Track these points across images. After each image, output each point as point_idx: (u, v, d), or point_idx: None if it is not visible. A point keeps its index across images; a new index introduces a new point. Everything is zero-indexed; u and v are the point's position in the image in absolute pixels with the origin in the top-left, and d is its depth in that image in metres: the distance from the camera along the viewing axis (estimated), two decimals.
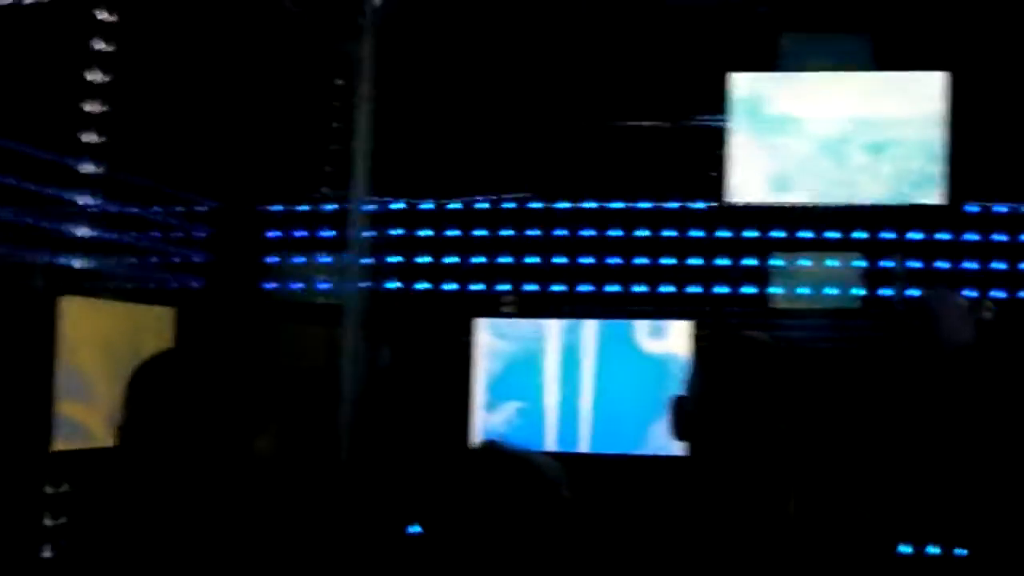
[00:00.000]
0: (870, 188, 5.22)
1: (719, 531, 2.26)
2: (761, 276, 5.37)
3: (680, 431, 2.37)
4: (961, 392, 2.72)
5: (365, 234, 3.24)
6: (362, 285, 3.65)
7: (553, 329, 5.02)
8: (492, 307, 5.37)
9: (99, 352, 4.44)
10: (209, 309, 5.73)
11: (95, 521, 2.42)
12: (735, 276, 5.37)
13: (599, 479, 2.52)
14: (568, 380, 4.92)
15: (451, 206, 5.65)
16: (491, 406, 5.03)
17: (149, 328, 4.67)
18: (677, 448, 2.39)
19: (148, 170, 5.11)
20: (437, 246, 5.66)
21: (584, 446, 4.83)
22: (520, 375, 5.01)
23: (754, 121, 5.20)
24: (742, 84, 5.23)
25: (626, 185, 5.50)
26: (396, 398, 5.47)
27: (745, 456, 2.27)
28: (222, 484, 2.53)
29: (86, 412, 4.30)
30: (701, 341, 2.40)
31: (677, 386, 2.44)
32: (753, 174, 5.24)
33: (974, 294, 5.10)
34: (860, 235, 5.32)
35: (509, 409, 4.99)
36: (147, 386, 2.47)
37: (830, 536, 2.28)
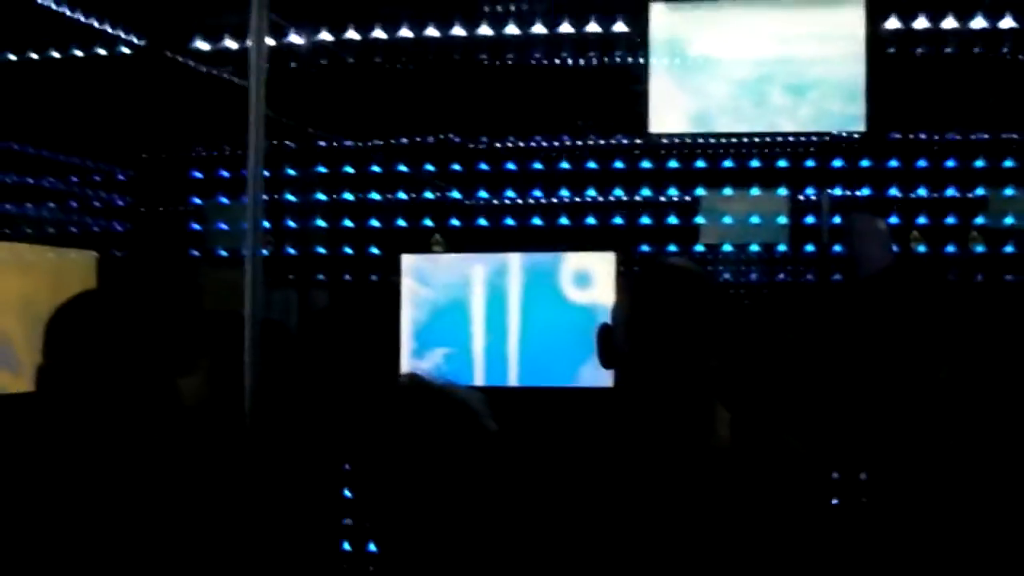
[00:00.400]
0: (791, 128, 5.24)
1: (646, 459, 2.28)
2: (685, 208, 5.39)
3: (606, 359, 2.38)
4: (879, 314, 2.75)
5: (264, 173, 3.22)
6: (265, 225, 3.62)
7: (478, 267, 5.00)
8: (418, 244, 5.35)
9: (21, 314, 4.25)
10: (133, 253, 5.69)
11: (17, 465, 2.40)
12: (659, 209, 5.38)
13: (527, 412, 2.51)
14: (495, 316, 4.92)
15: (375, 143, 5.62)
16: (419, 351, 5.03)
17: (73, 282, 4.49)
18: (606, 379, 2.41)
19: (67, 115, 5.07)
20: (361, 183, 5.63)
21: (512, 380, 4.84)
22: (446, 316, 5.00)
23: (673, 61, 5.18)
24: (660, 22, 5.21)
25: (545, 121, 5.49)
26: (326, 340, 5.46)
27: (670, 382, 2.29)
28: (145, 425, 2.51)
29: (13, 382, 4.11)
30: (626, 271, 2.40)
31: (603, 316, 2.45)
32: (673, 113, 5.23)
33: (896, 221, 5.15)
34: (783, 164, 5.34)
35: (437, 352, 4.98)
36: (67, 327, 2.45)
37: (758, 463, 2.30)
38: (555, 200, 5.41)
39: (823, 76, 5.12)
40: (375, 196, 5.61)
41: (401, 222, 5.59)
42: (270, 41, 4.27)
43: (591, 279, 4.73)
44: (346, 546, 4.76)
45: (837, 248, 5.21)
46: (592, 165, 5.38)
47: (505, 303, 4.89)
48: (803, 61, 5.13)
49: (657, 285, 2.35)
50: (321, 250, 5.65)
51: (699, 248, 5.37)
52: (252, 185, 3.13)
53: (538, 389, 4.66)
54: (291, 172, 5.67)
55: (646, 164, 5.35)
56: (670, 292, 2.32)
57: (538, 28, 5.25)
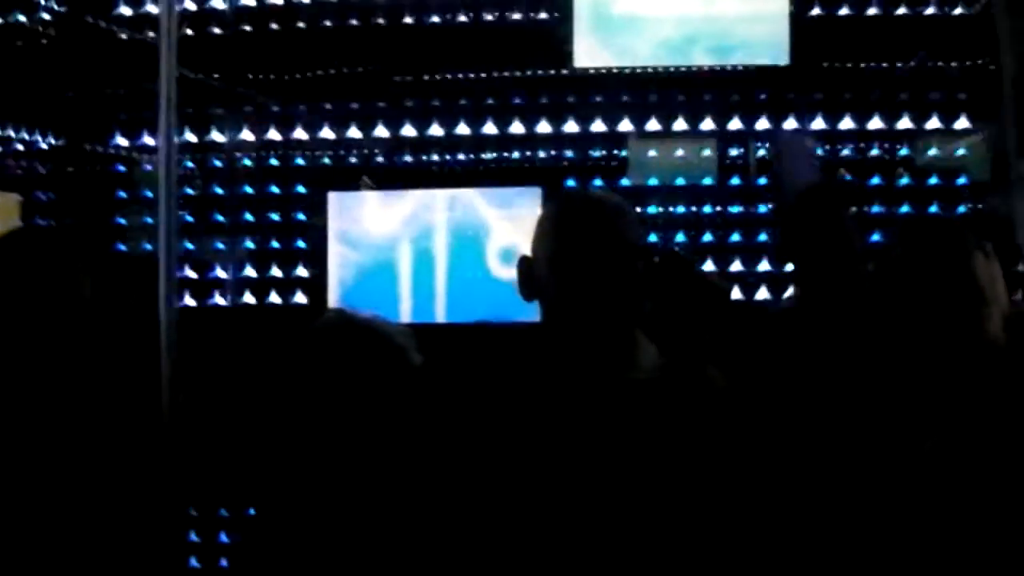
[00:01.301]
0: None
1: (567, 391, 2.29)
2: (611, 141, 5.40)
3: (527, 291, 2.39)
4: (803, 236, 2.77)
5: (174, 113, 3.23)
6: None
7: (405, 204, 5.00)
8: (344, 181, 5.32)
9: None
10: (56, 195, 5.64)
11: None
12: (584, 142, 5.38)
13: (455, 348, 2.52)
14: (422, 254, 4.92)
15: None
16: (346, 289, 5.02)
17: None
18: (533, 314, 2.41)
19: None
20: (288, 121, 5.58)
21: (440, 317, 4.85)
22: (373, 254, 4.99)
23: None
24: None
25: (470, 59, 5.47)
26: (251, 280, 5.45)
27: (590, 312, 2.29)
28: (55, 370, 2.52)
29: None
30: (546, 203, 2.41)
31: (525, 248, 2.45)
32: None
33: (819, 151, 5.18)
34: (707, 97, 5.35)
35: (364, 289, 4.98)
36: None
37: (679, 395, 2.32)
38: (481, 134, 5.39)
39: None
40: (302, 135, 5.58)
41: (327, 160, 5.56)
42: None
43: (518, 215, 4.74)
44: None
45: (762, 180, 5.25)
46: (517, 101, 5.36)
47: (432, 240, 4.89)
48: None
49: (576, 215, 2.36)
50: (248, 189, 5.61)
51: (625, 183, 5.39)
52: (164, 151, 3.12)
53: (466, 325, 4.66)
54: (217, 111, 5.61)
55: (571, 99, 5.34)
56: (589, 222, 2.32)
57: None
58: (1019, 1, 4.51)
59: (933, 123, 5.22)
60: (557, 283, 2.31)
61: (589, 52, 5.15)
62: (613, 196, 2.41)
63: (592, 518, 2.20)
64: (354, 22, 5.41)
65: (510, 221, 4.72)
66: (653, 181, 5.37)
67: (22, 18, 5.41)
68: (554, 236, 2.35)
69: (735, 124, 5.33)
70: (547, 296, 2.36)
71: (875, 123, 5.26)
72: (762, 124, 5.26)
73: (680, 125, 5.35)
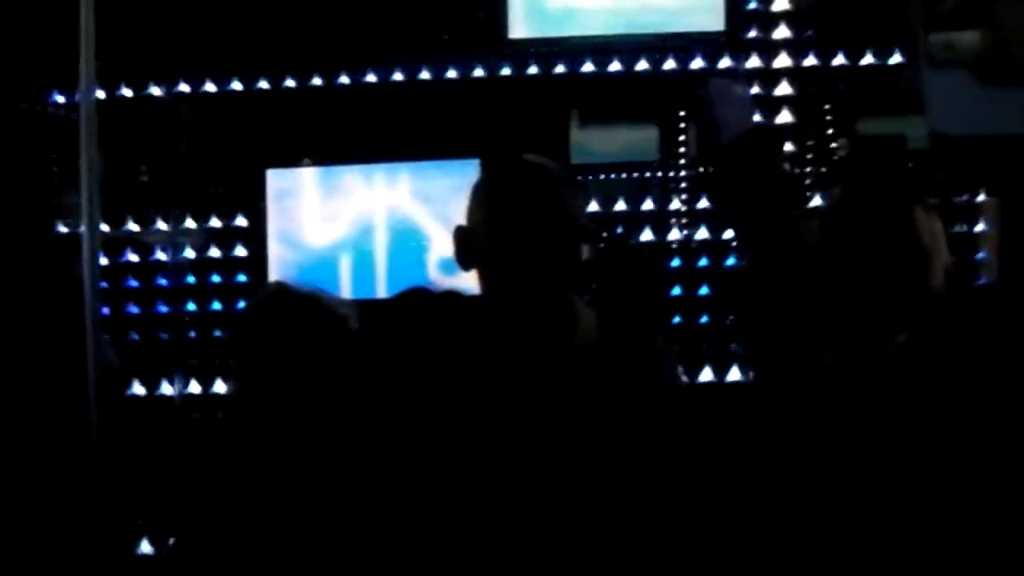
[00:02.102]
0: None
1: (506, 359, 2.29)
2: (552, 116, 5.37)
3: (463, 260, 2.38)
4: (736, 181, 2.78)
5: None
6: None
7: (344, 178, 4.97)
8: (282, 158, 5.27)
9: None
10: None
11: None
12: (523, 115, 5.35)
13: (396, 319, 2.51)
14: (361, 228, 4.90)
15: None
16: (287, 265, 4.99)
17: None
18: (470, 285, 2.41)
19: None
20: (225, 101, 5.52)
21: (381, 292, 4.83)
22: (313, 230, 4.97)
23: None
24: None
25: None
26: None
27: (527, 279, 2.29)
28: None
29: None
30: (483, 171, 2.41)
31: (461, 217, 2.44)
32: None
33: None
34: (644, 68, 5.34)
35: (305, 266, 4.95)
36: None
37: (620, 361, 2.32)
38: (420, 107, 5.36)
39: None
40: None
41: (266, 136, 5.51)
42: None
43: (457, 186, 4.71)
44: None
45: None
46: (453, 74, 5.33)
47: (372, 214, 4.87)
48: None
49: (510, 181, 2.35)
50: None
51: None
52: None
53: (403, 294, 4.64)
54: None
55: (506, 71, 5.31)
56: (523, 187, 2.32)
57: None
58: None
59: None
60: (492, 251, 2.31)
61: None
62: (550, 162, 2.40)
63: (531, 483, 2.20)
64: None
65: (450, 192, 4.70)
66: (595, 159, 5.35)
67: None
68: (488, 203, 2.35)
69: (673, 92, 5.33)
70: (483, 265, 2.35)
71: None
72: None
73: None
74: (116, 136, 5.08)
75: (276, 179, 5.01)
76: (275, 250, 4.96)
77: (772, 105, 5.20)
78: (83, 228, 3.30)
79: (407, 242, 4.84)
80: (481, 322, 2.35)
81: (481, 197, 2.40)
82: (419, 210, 4.86)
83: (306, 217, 4.95)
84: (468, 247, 2.38)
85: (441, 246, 4.73)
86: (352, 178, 4.96)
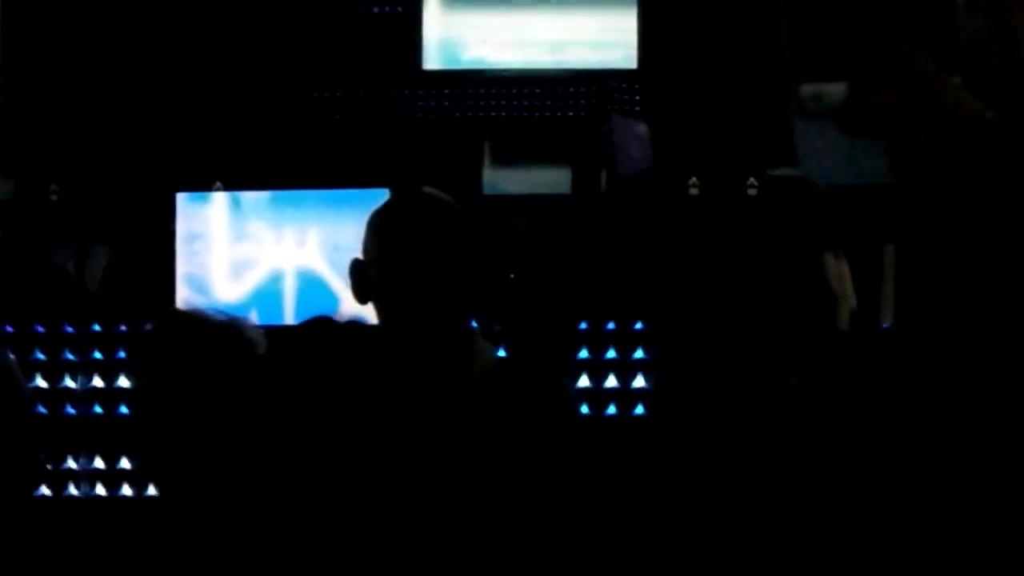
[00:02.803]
0: None
1: (405, 391, 2.30)
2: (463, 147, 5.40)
3: (360, 294, 2.39)
4: (637, 220, 2.82)
5: None
6: None
7: (254, 204, 4.95)
8: (193, 182, 5.25)
9: None
10: None
11: None
12: (436, 148, 5.37)
13: (302, 346, 2.53)
14: (269, 255, 4.88)
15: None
16: (194, 292, 4.95)
17: None
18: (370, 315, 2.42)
19: None
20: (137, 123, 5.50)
21: (288, 319, 4.81)
22: (222, 256, 4.93)
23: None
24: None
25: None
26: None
27: (426, 313, 2.31)
28: None
29: None
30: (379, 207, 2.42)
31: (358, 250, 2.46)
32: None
33: None
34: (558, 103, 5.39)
35: (212, 293, 4.91)
36: None
37: (516, 392, 2.34)
38: (332, 138, 5.37)
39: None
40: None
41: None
42: None
43: (363, 216, 4.70)
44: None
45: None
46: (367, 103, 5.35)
47: (280, 241, 4.84)
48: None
49: (401, 214, 2.37)
50: None
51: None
52: None
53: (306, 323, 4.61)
54: None
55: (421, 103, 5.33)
56: (414, 220, 2.34)
57: None
58: None
59: None
60: (384, 284, 2.33)
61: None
62: (441, 194, 2.42)
63: (428, 510, 2.21)
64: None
65: (356, 222, 4.68)
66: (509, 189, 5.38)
67: None
68: (380, 236, 2.36)
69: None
70: (378, 298, 2.37)
71: None
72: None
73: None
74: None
75: (185, 203, 4.97)
76: (183, 270, 4.92)
77: (678, 145, 5.27)
78: None
79: (315, 269, 4.82)
80: (380, 352, 2.37)
81: (374, 230, 2.42)
82: (325, 237, 4.83)
83: (216, 243, 4.92)
84: (364, 280, 2.40)
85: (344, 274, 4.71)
86: (261, 203, 4.93)
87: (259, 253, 4.87)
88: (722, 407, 2.25)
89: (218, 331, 2.56)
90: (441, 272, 2.29)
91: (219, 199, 5.00)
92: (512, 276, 4.40)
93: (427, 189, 2.41)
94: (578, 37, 5.22)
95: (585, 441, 2.38)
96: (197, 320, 2.60)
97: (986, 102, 0.87)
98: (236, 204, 4.94)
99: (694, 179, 5.25)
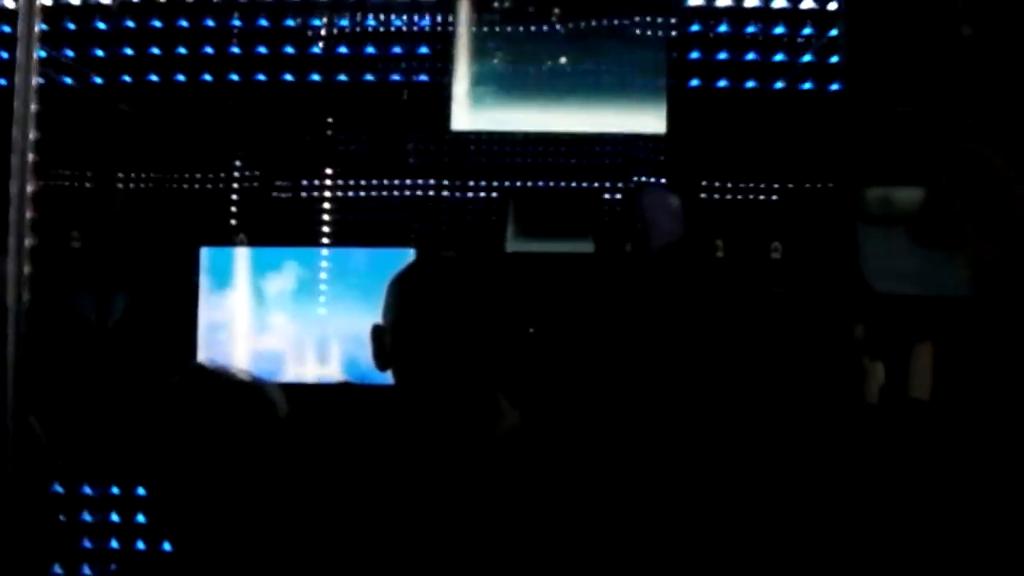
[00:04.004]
0: None
1: (428, 454, 2.28)
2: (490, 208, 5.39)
3: (380, 361, 2.38)
4: (667, 289, 2.81)
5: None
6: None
7: (279, 261, 4.94)
8: (218, 236, 5.26)
9: None
10: None
11: None
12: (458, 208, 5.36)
13: (333, 408, 2.51)
14: (298, 311, 4.87)
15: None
16: (217, 348, 4.94)
17: None
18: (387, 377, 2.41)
19: None
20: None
21: (310, 377, 4.79)
22: (246, 312, 4.93)
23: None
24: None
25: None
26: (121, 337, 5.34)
27: (445, 380, 2.29)
28: None
29: None
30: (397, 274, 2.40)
31: (380, 315, 2.44)
32: None
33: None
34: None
35: (236, 348, 4.91)
36: None
37: (545, 452, 2.32)
38: (361, 194, 5.37)
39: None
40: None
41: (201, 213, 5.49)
42: None
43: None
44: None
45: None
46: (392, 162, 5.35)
47: (307, 298, 4.83)
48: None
49: (419, 282, 2.36)
50: None
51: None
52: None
53: (348, 385, 4.60)
54: None
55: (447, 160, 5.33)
56: (431, 289, 2.33)
57: None
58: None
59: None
60: (400, 353, 2.32)
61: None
62: (461, 260, 2.41)
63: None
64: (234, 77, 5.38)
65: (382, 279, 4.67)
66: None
67: None
68: (397, 304, 2.35)
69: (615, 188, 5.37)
70: (396, 364, 2.36)
71: None
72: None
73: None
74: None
75: (210, 257, 4.97)
76: (205, 334, 4.91)
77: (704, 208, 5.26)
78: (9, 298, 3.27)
79: (345, 326, 4.81)
80: (400, 417, 2.36)
81: (391, 297, 2.41)
82: (351, 296, 4.83)
83: (238, 298, 4.91)
84: (382, 346, 2.38)
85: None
86: (287, 260, 4.93)
87: (280, 309, 4.86)
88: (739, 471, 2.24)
89: (242, 390, 2.54)
90: (452, 341, 2.27)
91: (242, 253, 5.00)
92: (532, 331, 4.39)
93: (447, 254, 2.40)
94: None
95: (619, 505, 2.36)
96: (222, 378, 2.58)
97: None
98: (259, 259, 4.95)
99: (719, 242, 5.27)
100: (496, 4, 5.29)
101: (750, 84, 5.33)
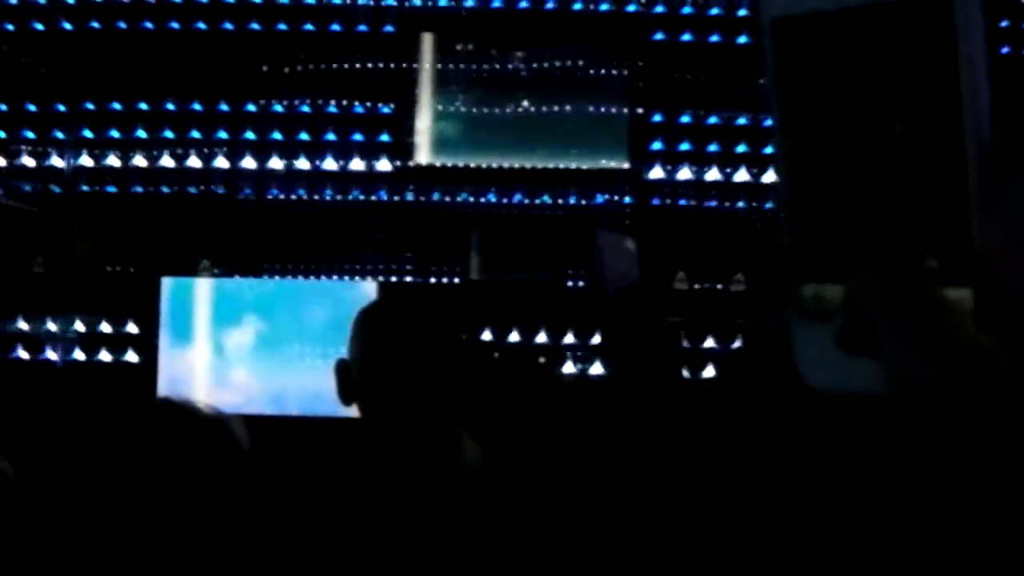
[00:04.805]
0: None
1: (394, 489, 2.29)
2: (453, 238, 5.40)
3: (344, 395, 2.39)
4: (622, 332, 2.82)
5: None
6: None
7: (242, 292, 4.93)
8: (181, 266, 5.25)
9: None
10: None
11: None
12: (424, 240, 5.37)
13: (297, 441, 2.52)
14: (259, 342, 4.86)
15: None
16: (176, 379, 4.92)
17: None
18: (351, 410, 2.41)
19: None
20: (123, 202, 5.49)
21: (270, 409, 4.78)
22: (208, 342, 4.91)
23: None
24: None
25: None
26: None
27: (412, 413, 2.30)
28: None
29: None
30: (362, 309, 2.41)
31: (344, 350, 2.45)
32: None
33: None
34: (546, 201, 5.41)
35: (197, 380, 4.89)
36: None
37: (511, 486, 2.33)
38: (321, 226, 5.38)
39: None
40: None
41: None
42: None
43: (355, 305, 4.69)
44: None
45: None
46: (358, 194, 5.35)
47: (269, 329, 4.83)
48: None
49: (381, 318, 2.38)
50: None
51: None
52: None
53: (309, 419, 4.58)
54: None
55: (410, 196, 5.33)
56: (394, 324, 2.35)
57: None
58: None
59: None
60: (365, 387, 2.33)
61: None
62: (426, 294, 2.43)
63: None
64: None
65: (348, 310, 4.68)
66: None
67: None
68: (362, 339, 2.37)
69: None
70: (361, 399, 2.37)
71: None
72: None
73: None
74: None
75: (172, 287, 4.95)
76: (166, 365, 4.90)
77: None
78: None
79: (299, 359, 4.80)
80: (365, 453, 2.36)
81: (355, 332, 2.42)
82: (313, 328, 4.82)
83: (199, 328, 4.90)
84: (349, 381, 2.39)
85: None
86: (250, 291, 4.92)
87: (243, 342, 4.86)
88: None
89: (206, 425, 2.53)
90: (416, 375, 2.28)
91: (205, 284, 4.99)
92: (496, 355, 4.40)
93: (411, 290, 2.42)
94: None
95: (582, 529, 2.37)
96: (185, 413, 2.57)
97: (995, 323, 0.84)
98: (223, 290, 4.94)
99: (681, 273, 5.31)
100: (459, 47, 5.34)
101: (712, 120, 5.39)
